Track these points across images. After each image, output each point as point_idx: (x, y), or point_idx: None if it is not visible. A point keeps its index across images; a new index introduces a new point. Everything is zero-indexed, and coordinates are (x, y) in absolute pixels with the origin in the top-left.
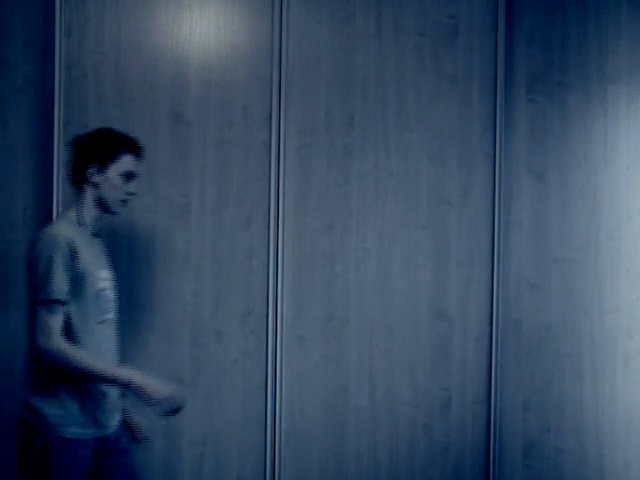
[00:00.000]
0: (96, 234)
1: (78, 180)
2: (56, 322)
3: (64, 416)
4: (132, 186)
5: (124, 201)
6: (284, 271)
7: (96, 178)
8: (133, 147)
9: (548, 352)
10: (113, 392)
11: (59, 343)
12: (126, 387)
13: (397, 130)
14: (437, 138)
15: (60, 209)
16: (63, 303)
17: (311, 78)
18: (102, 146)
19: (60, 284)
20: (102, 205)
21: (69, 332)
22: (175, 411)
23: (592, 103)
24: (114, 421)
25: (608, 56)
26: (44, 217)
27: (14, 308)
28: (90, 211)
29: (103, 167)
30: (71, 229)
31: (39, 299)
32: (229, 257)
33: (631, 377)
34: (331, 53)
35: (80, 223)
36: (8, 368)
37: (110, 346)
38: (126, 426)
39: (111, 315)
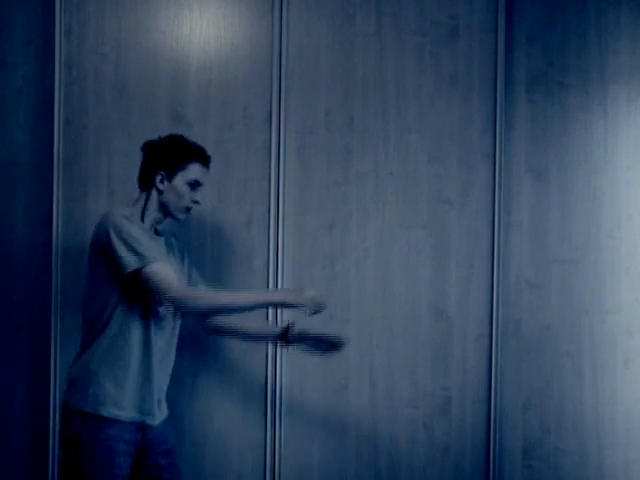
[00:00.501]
0: (158, 234)
1: (145, 183)
2: (168, 272)
3: (100, 394)
4: (197, 195)
5: (188, 209)
6: (284, 271)
7: (163, 184)
8: (202, 156)
9: (548, 352)
10: (155, 376)
11: (184, 289)
12: (269, 306)
13: (397, 130)
14: (437, 138)
15: (60, 209)
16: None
17: (311, 78)
18: (172, 154)
19: (146, 246)
20: (165, 210)
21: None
22: (320, 309)
23: (592, 103)
24: (156, 409)
25: (608, 56)
26: (44, 217)
27: None
28: (152, 213)
29: (171, 174)
30: (132, 216)
31: (139, 266)
32: (229, 257)
33: (631, 377)
34: (331, 53)
35: (140, 219)
36: None
37: (157, 340)
38: (316, 341)
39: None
